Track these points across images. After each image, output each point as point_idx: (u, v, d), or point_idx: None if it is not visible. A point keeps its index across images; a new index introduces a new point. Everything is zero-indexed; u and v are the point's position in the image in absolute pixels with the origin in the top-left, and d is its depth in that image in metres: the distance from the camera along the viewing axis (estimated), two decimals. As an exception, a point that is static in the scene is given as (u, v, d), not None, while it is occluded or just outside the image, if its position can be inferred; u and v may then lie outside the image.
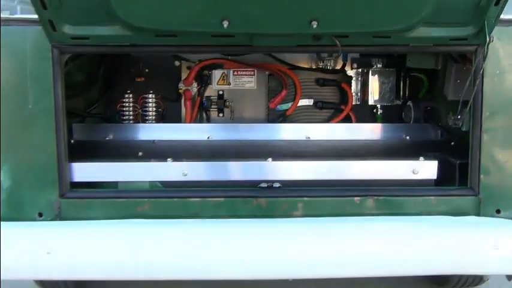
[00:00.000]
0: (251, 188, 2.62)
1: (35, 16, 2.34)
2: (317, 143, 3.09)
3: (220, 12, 2.17)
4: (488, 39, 2.27)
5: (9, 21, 2.45)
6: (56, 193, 2.51)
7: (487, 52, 2.34)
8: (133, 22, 2.24)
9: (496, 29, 2.38)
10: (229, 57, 3.37)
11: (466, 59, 2.67)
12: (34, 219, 2.52)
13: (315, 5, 2.14)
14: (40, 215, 2.52)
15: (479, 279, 3.73)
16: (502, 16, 2.45)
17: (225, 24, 2.17)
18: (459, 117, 2.61)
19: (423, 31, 2.33)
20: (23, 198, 2.52)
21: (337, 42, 2.35)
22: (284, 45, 2.46)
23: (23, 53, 2.44)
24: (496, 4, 2.20)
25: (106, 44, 2.44)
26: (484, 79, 2.48)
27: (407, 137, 3.18)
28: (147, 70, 3.48)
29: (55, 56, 2.43)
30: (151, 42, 2.42)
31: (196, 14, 2.19)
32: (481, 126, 2.51)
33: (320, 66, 3.42)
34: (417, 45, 2.45)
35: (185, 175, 2.67)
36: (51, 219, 2.53)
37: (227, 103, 3.47)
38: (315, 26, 2.19)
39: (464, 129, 2.64)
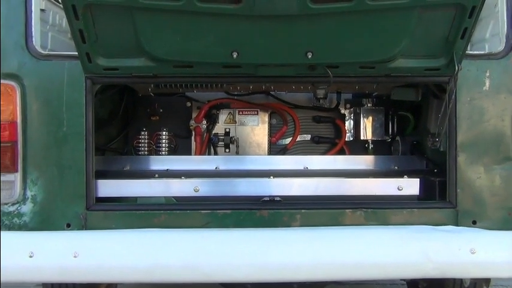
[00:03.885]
0: (255, 201, 2.93)
1: (72, 52, 2.76)
2: (314, 172, 3.41)
3: (231, 45, 2.53)
4: (457, 68, 2.61)
5: (49, 57, 2.83)
6: (83, 206, 2.80)
7: (457, 79, 2.68)
8: (157, 54, 2.62)
9: (466, 62, 2.75)
10: (236, 97, 3.75)
11: (445, 93, 2.94)
12: (62, 229, 2.80)
13: (310, 38, 2.51)
14: (68, 225, 2.80)
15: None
16: (470, 52, 2.85)
17: (235, 55, 2.54)
18: (437, 139, 2.96)
19: (402, 62, 2.68)
20: (53, 211, 2.80)
21: (329, 72, 2.71)
22: (284, 75, 2.80)
23: (61, 83, 2.80)
24: (462, 38, 2.55)
25: (132, 75, 2.78)
26: (457, 105, 2.81)
27: (396, 167, 3.51)
28: (161, 110, 3.87)
29: (88, 85, 2.79)
30: (170, 73, 2.81)
31: (210, 46, 2.55)
32: (456, 146, 2.81)
33: (316, 105, 3.78)
34: (397, 75, 2.80)
35: (197, 191, 2.98)
36: (78, 229, 2.80)
37: (233, 139, 3.80)
38: (310, 57, 2.55)
39: (441, 149, 2.97)
